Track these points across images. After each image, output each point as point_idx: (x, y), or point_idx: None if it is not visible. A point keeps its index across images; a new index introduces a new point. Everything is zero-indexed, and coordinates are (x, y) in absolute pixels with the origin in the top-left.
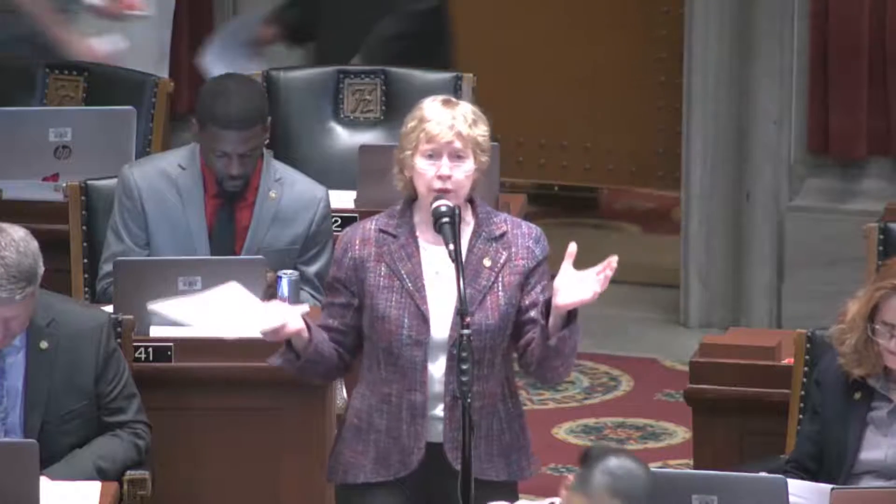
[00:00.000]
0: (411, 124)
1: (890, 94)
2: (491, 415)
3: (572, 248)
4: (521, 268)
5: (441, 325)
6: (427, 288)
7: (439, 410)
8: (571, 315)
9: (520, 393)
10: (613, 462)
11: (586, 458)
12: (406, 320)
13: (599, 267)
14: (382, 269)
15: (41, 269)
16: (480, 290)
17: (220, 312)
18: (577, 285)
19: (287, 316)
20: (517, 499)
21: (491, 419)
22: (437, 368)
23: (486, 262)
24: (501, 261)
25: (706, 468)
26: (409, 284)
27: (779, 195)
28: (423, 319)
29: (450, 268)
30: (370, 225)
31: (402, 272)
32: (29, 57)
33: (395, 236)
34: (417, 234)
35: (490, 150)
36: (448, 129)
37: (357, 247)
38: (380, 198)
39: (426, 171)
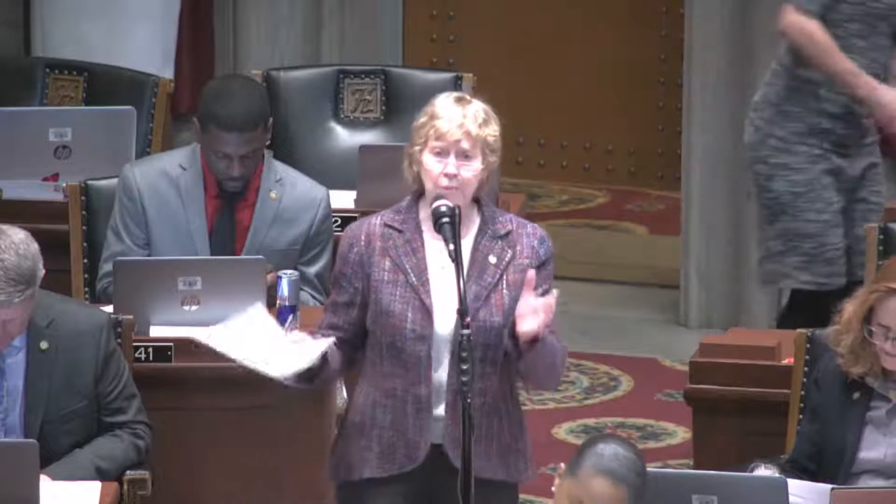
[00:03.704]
0: (422, 119)
1: None
2: (492, 413)
3: (531, 274)
4: (525, 266)
5: (445, 321)
6: (431, 283)
7: (441, 409)
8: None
9: (520, 394)
10: (600, 446)
11: (579, 448)
12: (410, 314)
13: (550, 297)
14: (387, 263)
15: (41, 272)
16: (486, 286)
17: (253, 346)
18: (532, 314)
19: (310, 357)
20: (517, 500)
21: (492, 418)
22: (441, 366)
23: (492, 259)
24: (507, 259)
25: (706, 468)
26: (414, 279)
27: None
28: (427, 314)
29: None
30: (375, 220)
31: (407, 266)
32: None
33: (400, 231)
34: (423, 229)
35: (500, 151)
36: (457, 127)
37: (363, 241)
38: (380, 198)
39: (433, 167)
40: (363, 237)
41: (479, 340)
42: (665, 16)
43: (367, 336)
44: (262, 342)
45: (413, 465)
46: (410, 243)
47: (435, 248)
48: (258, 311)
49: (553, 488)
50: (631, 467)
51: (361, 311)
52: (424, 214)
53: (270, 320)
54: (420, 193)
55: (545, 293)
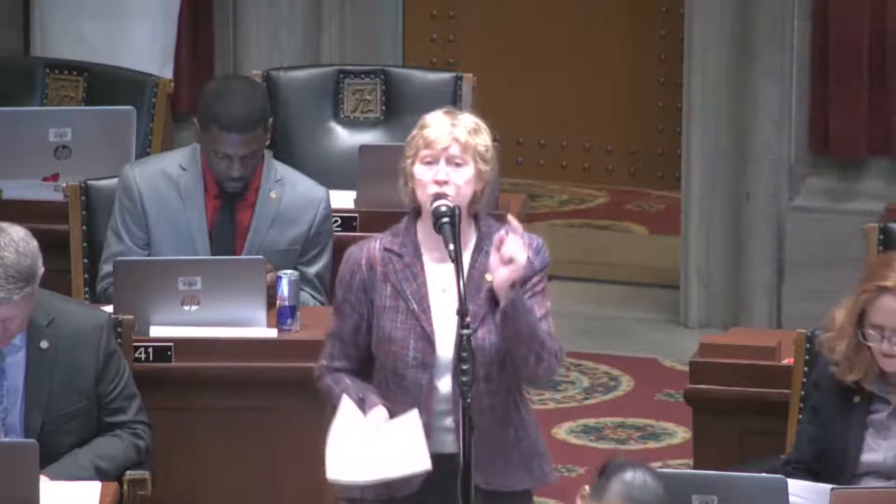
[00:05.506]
0: (413, 133)
1: (890, 94)
2: (505, 425)
3: (500, 235)
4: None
5: (448, 344)
6: (433, 308)
7: (450, 422)
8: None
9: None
10: (629, 473)
11: (604, 470)
12: (412, 342)
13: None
14: (388, 289)
15: (40, 270)
16: (482, 305)
17: (373, 458)
18: (501, 265)
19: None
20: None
21: (507, 429)
22: (445, 386)
23: (489, 277)
24: None
25: (706, 468)
26: (415, 305)
27: (779, 195)
28: (429, 341)
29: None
30: (375, 244)
31: (408, 292)
32: None
33: (399, 255)
34: (423, 251)
35: (493, 161)
36: (446, 134)
37: (364, 267)
38: (380, 198)
39: (423, 176)
40: (364, 262)
41: (480, 358)
42: (665, 16)
43: (371, 361)
44: (373, 449)
45: (408, 491)
46: (410, 268)
47: (435, 271)
48: (346, 407)
49: None
50: (659, 498)
51: (369, 336)
52: (423, 235)
53: (357, 416)
54: (417, 213)
55: (534, 305)
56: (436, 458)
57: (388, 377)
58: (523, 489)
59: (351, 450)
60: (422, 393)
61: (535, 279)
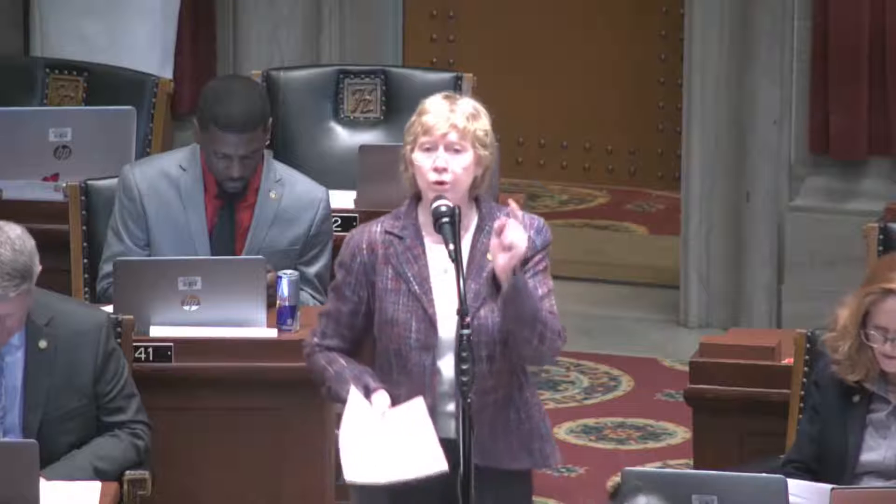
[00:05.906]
0: (412, 119)
1: (890, 94)
2: (507, 406)
3: (501, 221)
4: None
5: (450, 325)
6: (434, 289)
7: (452, 406)
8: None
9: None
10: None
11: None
12: (414, 324)
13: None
14: (389, 271)
15: (37, 267)
16: (484, 284)
17: (388, 459)
18: (499, 250)
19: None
20: (531, 487)
21: (508, 411)
22: (448, 368)
23: (490, 257)
24: None
25: (706, 468)
26: (416, 287)
27: (779, 195)
28: (431, 323)
29: None
30: (376, 228)
31: (409, 274)
32: None
33: (400, 237)
34: (424, 234)
35: (492, 146)
36: (444, 121)
37: (365, 250)
38: (380, 198)
39: (423, 163)
40: (365, 245)
41: (483, 338)
42: (665, 16)
43: (363, 342)
44: (389, 449)
45: None
46: (411, 250)
47: (436, 252)
48: (354, 401)
49: None
50: None
51: (366, 319)
52: (424, 218)
53: (366, 410)
54: (418, 197)
55: (538, 284)
56: (439, 442)
57: (392, 360)
58: (522, 469)
59: (366, 450)
60: (425, 375)
61: (536, 258)
